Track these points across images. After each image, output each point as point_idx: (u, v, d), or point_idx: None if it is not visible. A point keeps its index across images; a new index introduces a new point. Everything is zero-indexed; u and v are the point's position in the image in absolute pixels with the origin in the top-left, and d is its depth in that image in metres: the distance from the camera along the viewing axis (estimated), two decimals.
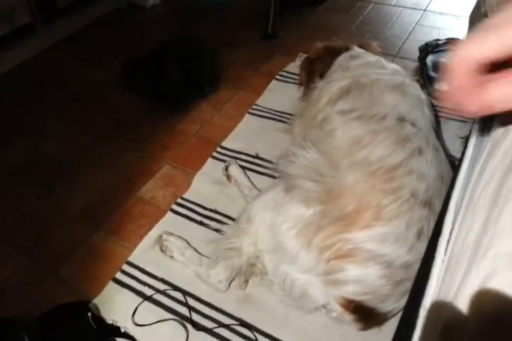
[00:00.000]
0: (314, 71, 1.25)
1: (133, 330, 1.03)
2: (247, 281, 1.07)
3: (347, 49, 1.25)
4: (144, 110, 1.70)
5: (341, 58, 1.22)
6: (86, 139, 1.59)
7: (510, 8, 0.45)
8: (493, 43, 0.40)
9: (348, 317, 0.88)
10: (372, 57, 1.21)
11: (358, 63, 1.18)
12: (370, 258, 0.83)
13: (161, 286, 1.11)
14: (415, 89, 1.15)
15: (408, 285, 0.83)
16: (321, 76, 1.24)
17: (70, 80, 1.90)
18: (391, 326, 0.93)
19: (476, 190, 0.51)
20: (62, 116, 1.71)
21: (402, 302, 0.86)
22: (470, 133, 0.69)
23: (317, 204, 0.89)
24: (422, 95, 1.15)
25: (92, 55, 2.07)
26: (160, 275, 1.13)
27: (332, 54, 1.24)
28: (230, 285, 1.07)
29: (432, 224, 0.85)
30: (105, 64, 1.95)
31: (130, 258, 1.18)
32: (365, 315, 0.87)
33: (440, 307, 0.46)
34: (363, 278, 0.83)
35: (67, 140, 1.60)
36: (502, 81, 0.39)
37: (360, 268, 0.83)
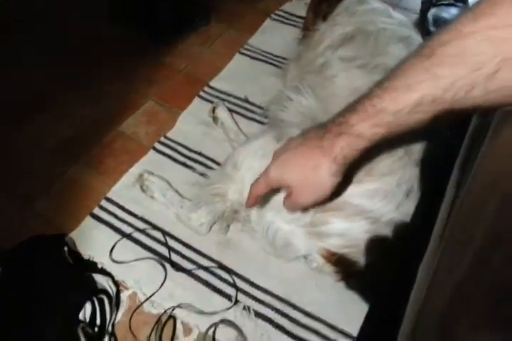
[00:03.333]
0: (320, 12, 1.17)
1: (110, 267, 1.02)
2: (228, 226, 1.06)
3: None
4: (131, 41, 1.58)
5: (348, 1, 1.14)
6: (65, 70, 1.48)
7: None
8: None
9: (329, 268, 0.89)
10: (379, 4, 1.14)
11: (365, 9, 1.11)
12: (358, 213, 0.82)
13: (141, 225, 1.09)
14: None
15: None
16: (324, 18, 1.16)
17: (52, 8, 1.72)
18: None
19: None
20: (42, 45, 1.57)
21: None
22: None
23: None
24: None
25: None
26: (140, 213, 1.11)
27: None
28: (211, 228, 1.06)
29: (423, 184, 0.85)
30: None
31: (109, 194, 1.15)
32: (345, 267, 0.88)
33: (448, 269, 0.46)
34: (347, 232, 0.83)
35: (45, 71, 1.48)
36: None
37: (346, 222, 0.83)
